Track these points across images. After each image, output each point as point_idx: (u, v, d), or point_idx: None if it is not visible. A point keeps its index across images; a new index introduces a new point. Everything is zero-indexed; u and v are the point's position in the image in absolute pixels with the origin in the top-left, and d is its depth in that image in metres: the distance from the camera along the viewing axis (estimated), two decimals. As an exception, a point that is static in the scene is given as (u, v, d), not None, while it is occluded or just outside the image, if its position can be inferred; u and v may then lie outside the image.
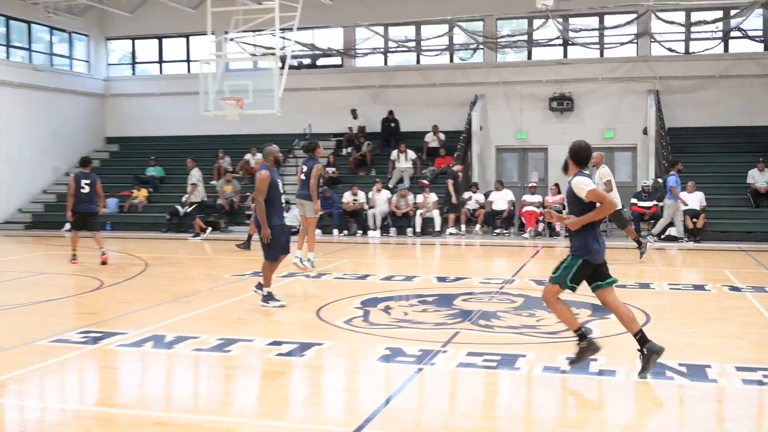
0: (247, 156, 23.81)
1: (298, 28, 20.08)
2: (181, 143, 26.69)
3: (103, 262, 14.15)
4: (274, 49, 19.89)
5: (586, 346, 6.74)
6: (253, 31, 21.48)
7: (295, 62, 23.56)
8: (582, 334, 6.76)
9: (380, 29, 23.97)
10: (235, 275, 13.01)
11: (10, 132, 23.70)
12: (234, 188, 22.16)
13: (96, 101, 27.75)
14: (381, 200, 20.69)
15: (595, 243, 6.60)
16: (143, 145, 27.21)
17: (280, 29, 19.52)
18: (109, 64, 28.45)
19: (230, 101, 19.05)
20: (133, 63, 28.49)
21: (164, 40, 27.70)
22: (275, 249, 10.00)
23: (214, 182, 23.14)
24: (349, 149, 24.27)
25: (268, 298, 10.06)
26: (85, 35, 27.44)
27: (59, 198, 23.43)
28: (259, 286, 10.30)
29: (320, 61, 25.53)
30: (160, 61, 27.93)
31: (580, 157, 6.79)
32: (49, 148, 25.09)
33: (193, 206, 20.39)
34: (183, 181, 23.20)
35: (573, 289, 6.70)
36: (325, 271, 13.43)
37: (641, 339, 6.64)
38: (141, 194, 23.35)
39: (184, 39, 27.30)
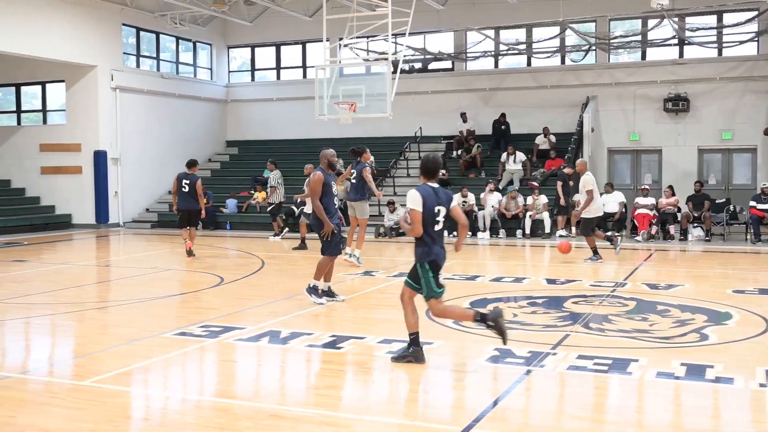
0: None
1: (410, 33, 20.15)
2: (296, 146, 27.25)
3: (189, 252, 15.04)
4: (386, 54, 20.03)
5: (494, 320, 6.92)
6: (367, 36, 21.71)
7: (406, 66, 23.65)
8: (483, 317, 6.96)
9: (491, 32, 23.77)
10: (348, 274, 13.16)
11: (139, 136, 24.80)
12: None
13: (218, 106, 28.71)
14: (492, 202, 20.52)
15: (436, 246, 7.02)
16: (260, 148, 27.93)
17: (393, 34, 19.64)
18: (230, 71, 29.37)
19: (344, 105, 19.28)
20: (253, 70, 29.30)
21: (282, 47, 28.36)
22: (334, 246, 10.21)
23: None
24: (459, 151, 24.18)
25: (313, 290, 10.22)
26: (208, 44, 28.43)
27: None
28: (323, 293, 10.28)
29: (431, 65, 25.54)
30: (278, 68, 28.61)
31: (426, 169, 7.14)
32: (174, 151, 26.10)
33: (271, 206, 20.85)
34: (299, 182, 23.67)
35: (442, 293, 7.10)
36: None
37: (483, 317, 6.94)
38: (261, 195, 23.95)
39: (301, 46, 27.87)
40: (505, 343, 6.97)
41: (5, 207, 23.18)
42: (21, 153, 24.59)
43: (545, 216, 19.98)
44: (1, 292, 11.86)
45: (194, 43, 27.86)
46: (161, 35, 26.39)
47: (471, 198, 20.60)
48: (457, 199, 18.90)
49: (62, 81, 24.11)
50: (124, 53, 24.59)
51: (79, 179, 23.65)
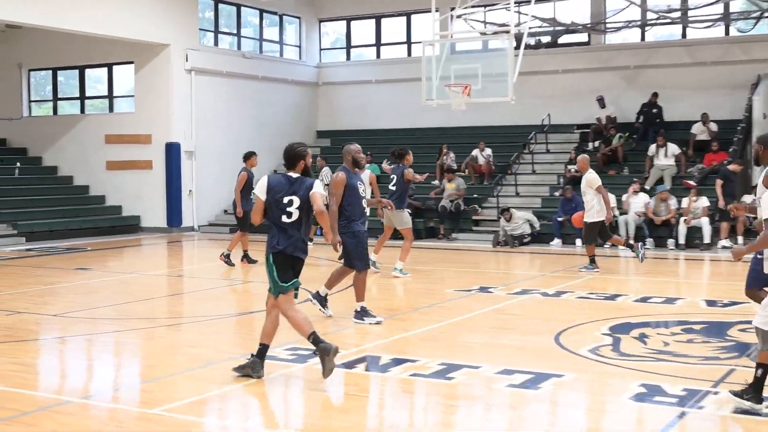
0: (475, 152, 24.00)
1: (537, 1, 19.96)
2: (399, 137, 27.33)
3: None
4: (508, 26, 19.88)
5: (322, 350, 7.48)
6: (484, 6, 21.63)
7: (532, 41, 23.42)
8: (315, 340, 7.56)
9: (636, -3, 23.27)
10: (459, 290, 13.13)
11: (216, 125, 25.42)
12: (458, 188, 22.41)
13: (307, 90, 29.15)
14: (637, 205, 20.07)
15: (282, 236, 7.66)
16: (357, 139, 28.00)
17: (516, 2, 19.49)
18: (321, 49, 29.79)
19: (456, 88, 19.25)
20: (348, 47, 29.63)
21: (382, 20, 28.58)
22: (363, 258, 10.44)
23: (435, 182, 23.53)
24: (597, 143, 23.77)
25: (363, 314, 10.40)
26: (297, 17, 28.92)
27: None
28: (317, 297, 10.80)
29: (562, 39, 25.20)
30: (378, 44, 28.84)
31: (285, 159, 7.83)
32: (257, 143, 26.47)
33: None
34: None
35: (294, 286, 7.72)
36: (565, 288, 13.23)
37: (315, 340, 7.57)
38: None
39: (405, 18, 28.00)
40: (324, 376, 7.53)
41: (67, 207, 24.22)
42: (85, 145, 25.63)
43: (704, 222, 19.39)
44: (62, 305, 12.38)
45: (280, 17, 28.40)
46: (243, 8, 27.01)
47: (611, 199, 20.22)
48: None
49: (131, 63, 25.01)
50: (200, 29, 25.29)
51: (149, 176, 24.42)
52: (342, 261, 10.95)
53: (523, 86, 21.62)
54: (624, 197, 20.37)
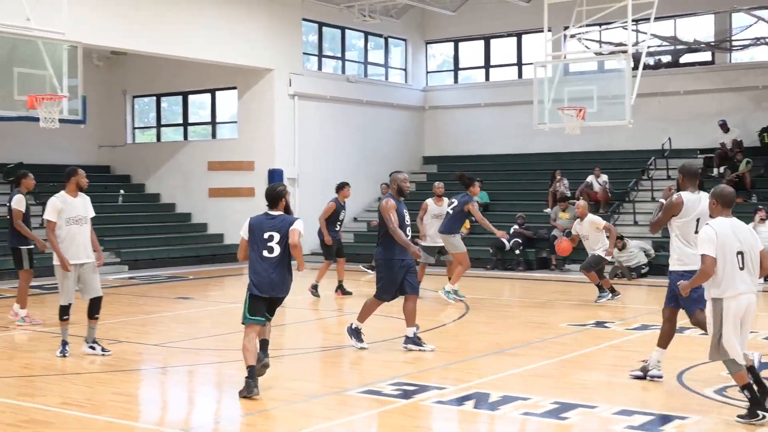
0: (590, 178, 23.66)
1: (656, 18, 19.63)
2: (509, 162, 27.25)
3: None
4: (625, 45, 19.63)
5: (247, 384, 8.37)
6: (599, 24, 21.39)
7: (651, 60, 23.07)
8: (250, 374, 8.37)
9: (765, 13, 22.66)
10: (573, 324, 12.92)
11: (320, 152, 25.73)
12: (572, 216, 22.10)
13: (413, 115, 29.29)
14: (764, 233, 19.41)
15: (254, 276, 8.60)
16: (465, 165, 28.08)
17: (633, 21, 19.22)
18: (428, 72, 29.93)
19: (570, 111, 19.07)
20: (456, 69, 29.70)
21: (491, 41, 28.57)
22: (391, 290, 10.73)
23: (547, 210, 23.29)
24: (722, 169, 23.16)
25: (411, 341, 10.74)
26: (403, 39, 29.14)
27: (370, 227, 24.93)
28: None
29: (684, 58, 24.75)
30: (487, 66, 28.82)
31: (268, 198, 8.87)
32: (361, 170, 26.79)
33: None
34: (511, 208, 23.65)
35: (259, 322, 8.61)
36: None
37: (250, 373, 8.41)
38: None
39: (515, 38, 27.95)
40: (243, 395, 8.34)
41: (169, 235, 24.85)
42: (187, 172, 26.27)
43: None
44: (163, 335, 12.67)
45: (386, 39, 28.67)
46: (347, 31, 27.36)
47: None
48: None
49: (234, 88, 25.58)
50: (303, 53, 25.72)
51: (251, 203, 24.70)
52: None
53: (641, 109, 21.27)
54: (750, 224, 19.72)
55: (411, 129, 29.23)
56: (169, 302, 16.64)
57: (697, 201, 8.63)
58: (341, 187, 16.84)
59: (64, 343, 10.42)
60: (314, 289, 16.37)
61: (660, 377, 8.97)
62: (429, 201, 16.20)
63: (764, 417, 7.32)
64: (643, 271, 19.84)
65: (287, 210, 8.85)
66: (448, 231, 15.18)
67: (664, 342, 9.00)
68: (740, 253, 7.38)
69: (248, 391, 8.32)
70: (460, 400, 8.30)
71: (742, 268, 7.37)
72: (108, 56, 27.02)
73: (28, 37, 15.77)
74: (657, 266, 20.08)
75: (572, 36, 21.06)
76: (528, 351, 10.99)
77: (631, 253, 19.79)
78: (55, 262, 10.36)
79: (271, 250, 8.61)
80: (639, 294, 17.73)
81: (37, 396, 8.60)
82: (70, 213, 10.46)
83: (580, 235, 15.55)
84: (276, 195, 8.80)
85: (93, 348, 10.49)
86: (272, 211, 8.79)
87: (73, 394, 8.71)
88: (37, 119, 15.55)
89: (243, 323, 8.61)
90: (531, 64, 21.92)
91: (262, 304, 8.62)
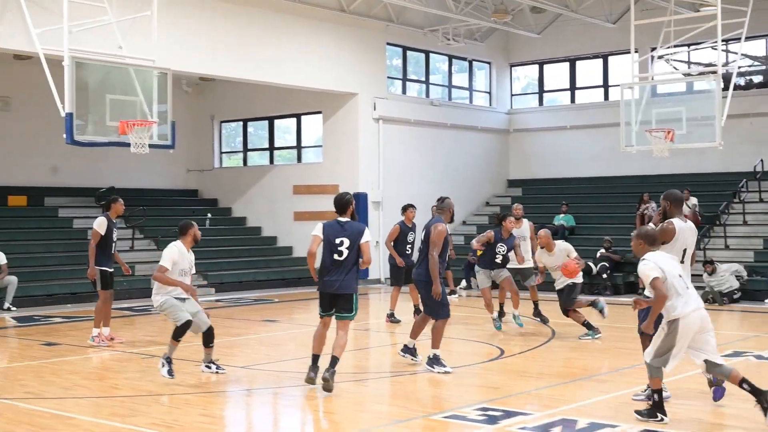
0: (678, 201, 23.20)
1: (747, 38, 19.26)
2: (595, 185, 26.92)
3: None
4: (714, 65, 19.29)
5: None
6: (688, 45, 21.06)
7: (742, 81, 22.62)
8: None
9: None
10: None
11: (404, 175, 25.78)
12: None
13: (498, 138, 29.18)
14: None
15: (327, 276, 9.78)
16: (551, 188, 27.91)
17: (723, 41, 18.87)
18: (512, 95, 29.81)
19: (658, 133, 18.78)
20: (541, 92, 29.51)
21: (577, 63, 28.33)
22: (446, 306, 10.99)
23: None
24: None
25: (434, 361, 10.84)
26: (487, 62, 29.11)
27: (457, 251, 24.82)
28: (406, 350, 11.43)
29: (776, 79, 24.22)
30: (572, 88, 28.58)
31: (335, 206, 9.88)
32: (445, 192, 26.41)
33: None
34: (598, 232, 23.35)
35: (327, 315, 9.95)
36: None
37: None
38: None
39: (601, 60, 27.68)
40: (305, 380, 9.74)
41: (256, 258, 25.13)
42: (273, 196, 26.58)
43: None
44: (249, 357, 12.78)
45: (470, 62, 28.66)
46: (431, 54, 27.44)
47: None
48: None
49: (319, 112, 25.83)
50: (388, 77, 25.86)
51: (335, 227, 24.98)
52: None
53: (732, 130, 20.82)
54: None
55: (495, 152, 29.12)
56: (255, 324, 16.79)
57: (685, 229, 8.99)
58: (405, 208, 16.68)
59: (169, 361, 10.40)
60: (391, 316, 16.27)
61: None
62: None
63: (662, 420, 8.05)
64: (735, 296, 19.32)
65: (352, 216, 9.83)
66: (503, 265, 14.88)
67: None
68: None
69: (307, 378, 9.71)
70: (546, 427, 8.16)
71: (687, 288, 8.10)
72: (196, 82, 27.56)
73: (120, 65, 16.15)
74: (750, 291, 19.59)
75: (660, 57, 20.80)
76: (616, 377, 10.78)
77: (722, 278, 19.31)
78: (162, 298, 10.50)
79: (340, 253, 9.68)
80: (731, 320, 17.29)
81: (126, 416, 8.73)
82: (183, 265, 10.65)
83: (547, 267, 14.24)
84: (345, 203, 9.82)
85: (209, 367, 10.84)
86: (342, 218, 9.81)
87: (161, 415, 8.82)
88: (128, 144, 15.77)
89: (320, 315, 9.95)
90: (617, 85, 21.65)
91: (329, 300, 9.85)
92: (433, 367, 10.85)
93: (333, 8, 23.74)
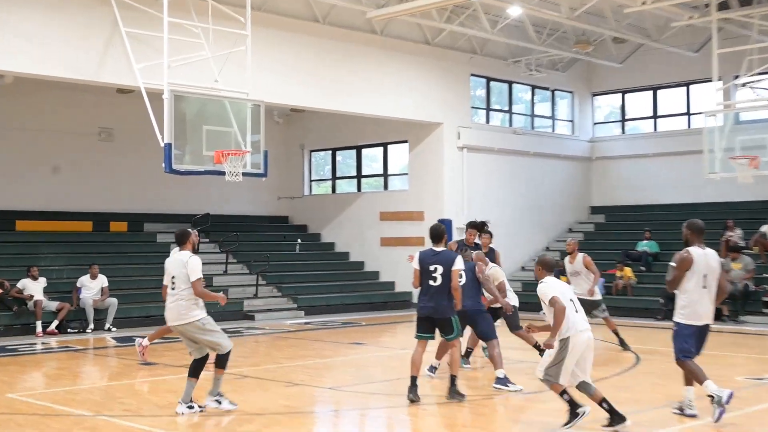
0: (764, 227, 22.55)
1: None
2: (678, 212, 26.24)
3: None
4: (799, 92, 18.78)
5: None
6: (771, 72, 20.54)
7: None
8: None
9: None
10: (751, 378, 12.25)
11: (487, 202, 25.59)
12: (745, 267, 21.09)
13: (580, 165, 28.84)
14: None
15: (424, 298, 10.40)
16: (633, 215, 27.43)
17: (808, 67, 18.38)
18: (594, 123, 29.45)
19: (742, 160, 18.36)
20: (623, 120, 29.10)
21: (658, 92, 27.86)
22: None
23: (721, 260, 22.27)
24: None
25: (502, 382, 11.23)
26: (569, 92, 28.83)
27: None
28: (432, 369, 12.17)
29: None
30: (655, 116, 28.10)
31: (430, 236, 10.60)
32: (528, 220, 26.56)
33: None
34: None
35: (417, 337, 10.51)
36: None
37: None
38: (625, 273, 23.40)
39: (684, 88, 27.16)
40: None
41: (344, 283, 25.19)
42: (361, 222, 26.68)
43: None
44: (337, 378, 12.77)
45: (552, 92, 28.43)
46: (514, 84, 27.29)
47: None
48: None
49: (405, 141, 25.87)
50: (472, 107, 25.80)
51: (420, 252, 24.91)
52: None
53: (818, 156, 20.17)
54: None
55: (578, 179, 28.78)
56: (343, 347, 16.80)
57: (703, 256, 9.34)
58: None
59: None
60: (466, 356, 15.72)
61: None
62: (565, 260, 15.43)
63: (583, 411, 8.58)
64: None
65: (445, 244, 10.53)
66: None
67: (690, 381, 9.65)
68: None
69: (409, 398, 10.15)
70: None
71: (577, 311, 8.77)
72: (287, 113, 27.92)
73: (216, 98, 16.41)
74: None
75: (743, 84, 20.31)
76: (703, 404, 10.44)
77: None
78: (202, 313, 9.60)
79: (435, 279, 10.24)
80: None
81: (219, 435, 8.77)
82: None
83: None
84: (440, 233, 10.49)
85: (219, 402, 9.85)
86: (436, 247, 10.42)
87: (252, 434, 8.84)
88: (222, 173, 15.94)
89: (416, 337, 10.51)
90: (700, 113, 21.25)
91: (427, 323, 10.45)
92: (506, 386, 11.23)
93: (419, 41, 23.86)
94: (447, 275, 10.17)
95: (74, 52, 17.20)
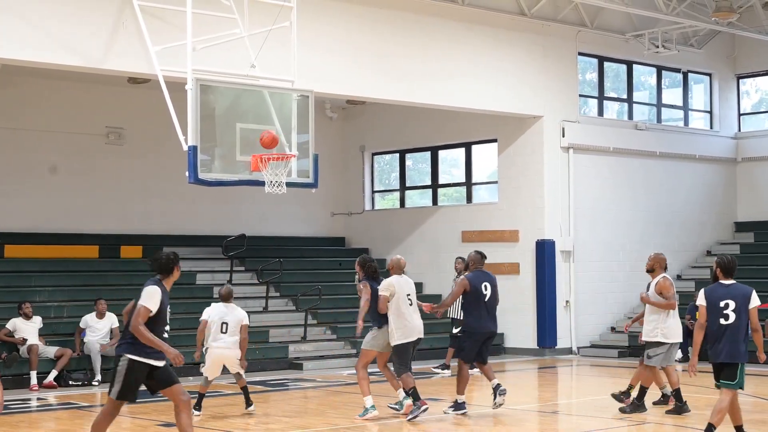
0: None
1: None
2: None
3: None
4: None
5: None
6: None
7: None
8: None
9: None
10: None
11: (602, 217, 25.47)
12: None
13: (722, 169, 28.50)
14: None
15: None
16: (792, 233, 27.06)
17: None
18: (740, 114, 29.08)
19: None
20: (778, 110, 28.81)
21: (825, 72, 27.52)
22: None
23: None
24: None
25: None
26: (706, 74, 28.52)
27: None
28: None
29: None
30: (819, 104, 27.76)
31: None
32: (654, 238, 26.15)
33: None
34: None
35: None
36: None
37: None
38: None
39: None
40: None
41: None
42: (438, 244, 26.59)
43: None
44: None
45: (685, 75, 28.16)
46: (635, 66, 27.05)
47: None
48: None
49: (493, 141, 25.84)
50: (580, 96, 25.71)
51: (515, 283, 24.65)
52: None
53: None
54: None
55: (719, 187, 28.46)
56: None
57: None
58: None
59: None
60: (621, 396, 15.61)
61: None
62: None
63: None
64: None
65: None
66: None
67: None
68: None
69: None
70: None
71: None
72: (343, 107, 28.05)
73: (253, 88, 16.29)
74: None
75: None
76: None
77: None
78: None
79: (726, 317, 11.25)
80: None
81: None
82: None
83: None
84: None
85: None
86: (725, 281, 11.46)
87: None
88: (262, 183, 15.49)
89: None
90: None
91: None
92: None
93: (511, 12, 23.75)
94: (743, 311, 11.27)
95: (75, 33, 17.21)
